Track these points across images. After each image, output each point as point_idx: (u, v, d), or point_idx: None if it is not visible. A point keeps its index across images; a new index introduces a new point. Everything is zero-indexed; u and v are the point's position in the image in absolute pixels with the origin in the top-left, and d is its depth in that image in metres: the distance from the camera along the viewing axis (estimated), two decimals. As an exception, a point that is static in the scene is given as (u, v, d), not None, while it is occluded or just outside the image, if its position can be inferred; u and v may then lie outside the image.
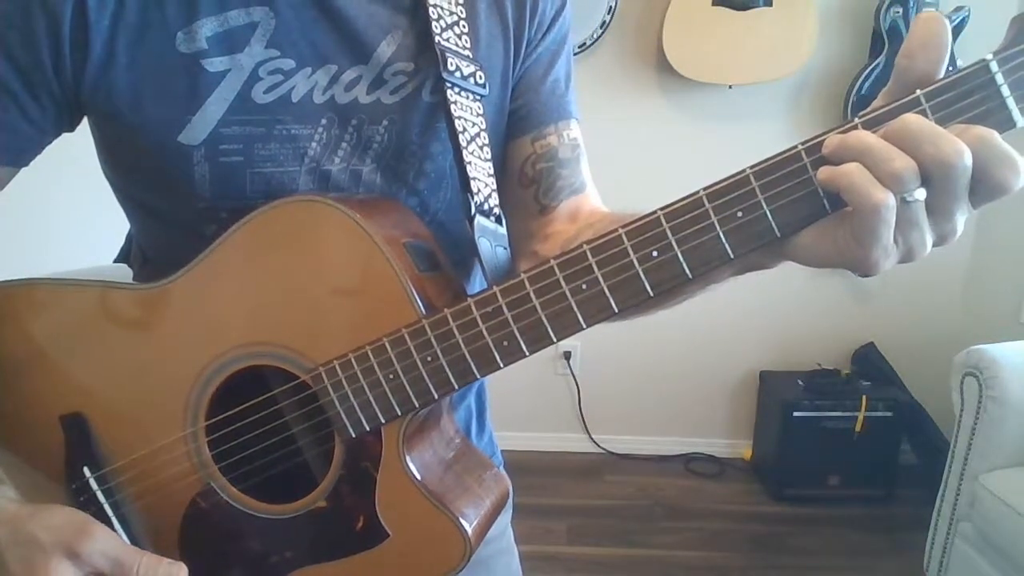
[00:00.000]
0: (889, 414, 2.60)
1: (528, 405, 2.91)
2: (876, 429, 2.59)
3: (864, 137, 0.48)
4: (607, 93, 2.67)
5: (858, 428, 2.59)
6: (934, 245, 0.50)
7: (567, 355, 2.92)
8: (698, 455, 2.96)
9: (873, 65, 2.55)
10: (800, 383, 2.70)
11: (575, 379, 2.95)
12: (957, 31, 2.41)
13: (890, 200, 0.46)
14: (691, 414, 2.98)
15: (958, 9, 2.41)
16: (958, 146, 0.46)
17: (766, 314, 2.83)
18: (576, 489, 2.79)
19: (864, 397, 2.59)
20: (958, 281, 2.82)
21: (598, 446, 2.99)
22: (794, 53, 2.52)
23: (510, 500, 0.81)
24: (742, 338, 2.88)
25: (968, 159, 0.46)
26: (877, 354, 2.83)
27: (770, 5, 2.46)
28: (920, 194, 0.47)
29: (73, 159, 0.85)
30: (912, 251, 0.49)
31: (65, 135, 0.71)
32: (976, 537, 1.96)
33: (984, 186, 0.47)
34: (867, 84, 2.55)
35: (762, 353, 2.88)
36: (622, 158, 2.40)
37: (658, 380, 2.94)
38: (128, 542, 0.67)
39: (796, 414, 2.61)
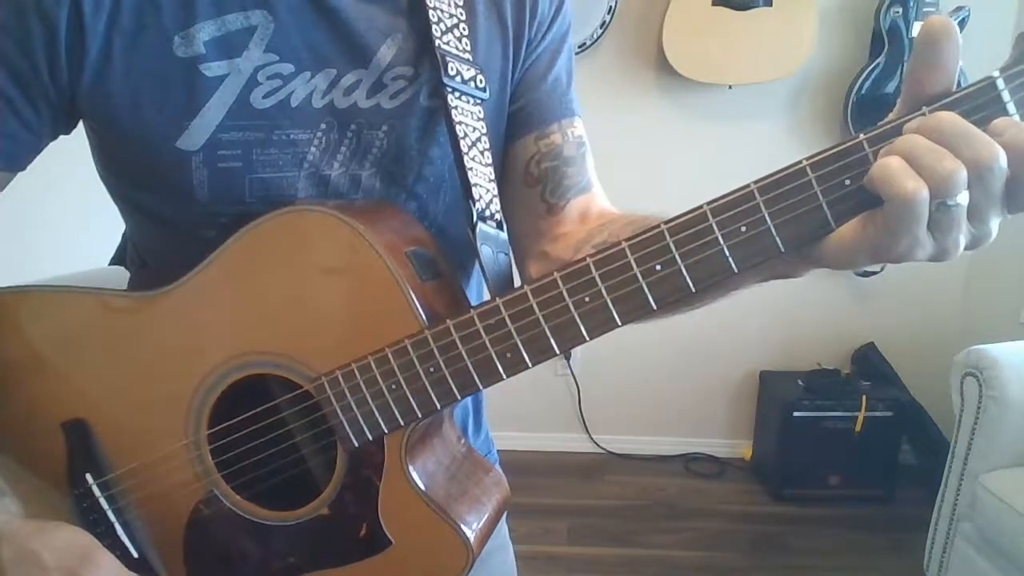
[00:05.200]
0: (889, 414, 2.60)
1: (528, 405, 2.91)
2: (876, 429, 2.59)
3: (913, 138, 0.47)
4: (607, 93, 2.67)
5: (858, 428, 2.59)
6: (967, 248, 0.49)
7: (567, 355, 2.92)
8: (698, 455, 2.97)
9: (873, 65, 2.55)
10: (800, 383, 2.70)
11: (575, 379, 2.95)
12: (957, 31, 2.41)
13: (923, 192, 0.45)
14: (691, 414, 2.98)
15: (958, 9, 2.40)
16: (994, 148, 0.45)
17: (766, 314, 2.82)
18: (576, 489, 2.80)
19: (864, 397, 2.59)
20: (958, 281, 2.82)
21: (598, 446, 3.00)
22: (794, 53, 2.51)
23: None
24: (742, 338, 2.87)
25: (1004, 161, 0.45)
26: (877, 354, 2.83)
27: (770, 5, 2.46)
28: (963, 198, 0.46)
29: (69, 161, 0.84)
30: (946, 251, 0.48)
31: (61, 137, 0.70)
32: (976, 537, 1.96)
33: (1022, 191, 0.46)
34: (867, 84, 2.55)
35: (762, 353, 2.89)
36: (622, 158, 2.40)
37: (658, 380, 2.94)
38: (134, 551, 0.68)
39: (796, 414, 2.62)
